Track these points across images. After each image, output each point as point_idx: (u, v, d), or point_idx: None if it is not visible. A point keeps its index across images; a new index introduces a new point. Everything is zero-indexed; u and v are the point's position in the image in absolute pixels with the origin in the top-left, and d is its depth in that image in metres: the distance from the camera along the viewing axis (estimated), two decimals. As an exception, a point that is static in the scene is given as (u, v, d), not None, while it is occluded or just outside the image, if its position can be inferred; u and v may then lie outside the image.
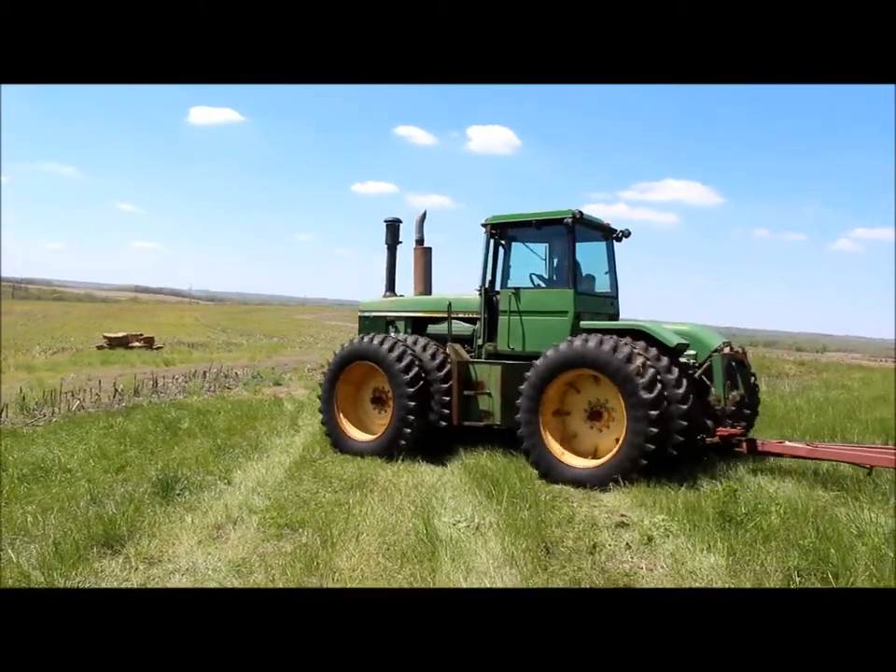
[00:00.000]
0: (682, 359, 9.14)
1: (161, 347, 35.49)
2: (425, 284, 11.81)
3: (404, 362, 9.73)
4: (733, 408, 8.95)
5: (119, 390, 16.12)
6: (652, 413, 8.05)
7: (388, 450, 9.75)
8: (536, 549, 5.98)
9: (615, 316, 10.38)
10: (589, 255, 10.09)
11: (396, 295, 12.04)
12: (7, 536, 6.11)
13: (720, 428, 8.84)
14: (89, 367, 24.75)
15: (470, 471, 8.72)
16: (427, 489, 8.10)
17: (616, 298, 10.56)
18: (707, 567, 5.63)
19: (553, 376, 8.73)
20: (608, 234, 10.43)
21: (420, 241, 11.83)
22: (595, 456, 8.71)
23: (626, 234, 10.49)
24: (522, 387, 8.97)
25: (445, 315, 10.48)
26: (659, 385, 8.15)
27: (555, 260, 10.08)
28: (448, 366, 9.96)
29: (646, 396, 8.08)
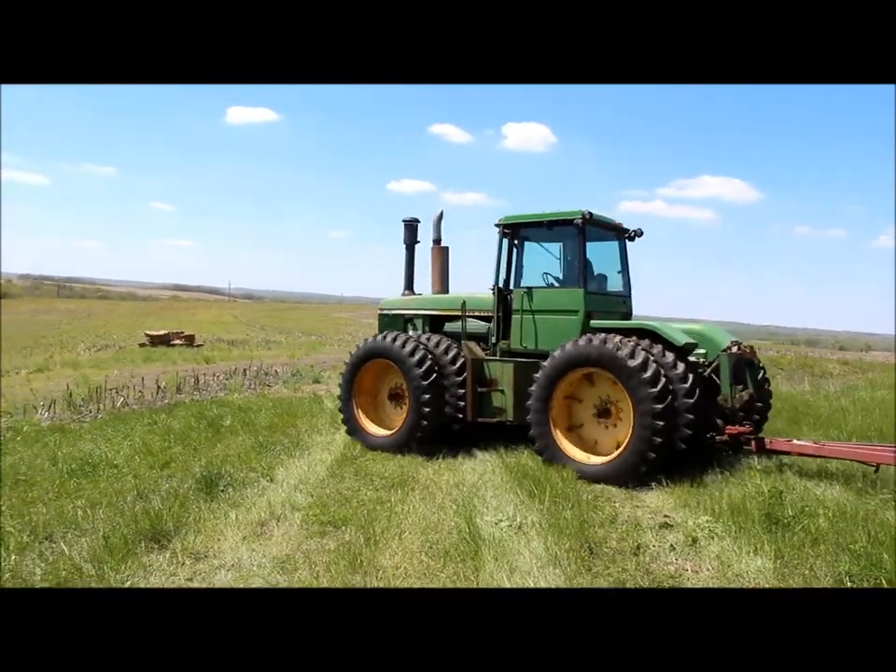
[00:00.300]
0: (692, 358, 9.23)
1: (201, 345, 35.98)
2: (442, 282, 12.04)
3: (417, 358, 9.94)
4: (742, 406, 9.03)
5: (162, 387, 16.37)
6: (658, 406, 8.20)
7: (404, 444, 9.96)
8: (579, 549, 5.95)
9: (628, 315, 10.48)
10: (602, 254, 10.25)
11: (414, 293, 12.25)
12: (59, 529, 6.23)
13: (729, 427, 8.96)
14: (131, 364, 25.17)
15: (511, 470, 8.70)
16: (468, 488, 8.10)
17: (629, 297, 10.63)
18: (754, 570, 5.56)
19: (560, 375, 8.93)
20: (620, 234, 10.52)
21: (437, 240, 12.02)
22: (594, 451, 8.94)
23: (639, 234, 10.58)
24: (531, 386, 9.15)
25: (461, 314, 10.73)
26: (664, 380, 8.29)
27: (566, 260, 10.19)
28: (462, 362, 10.12)
29: (651, 390, 8.23)
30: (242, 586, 5.27)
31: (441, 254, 12.05)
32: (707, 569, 5.72)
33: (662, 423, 8.21)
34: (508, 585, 5.28)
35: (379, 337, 10.53)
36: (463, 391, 10.05)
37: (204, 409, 13.19)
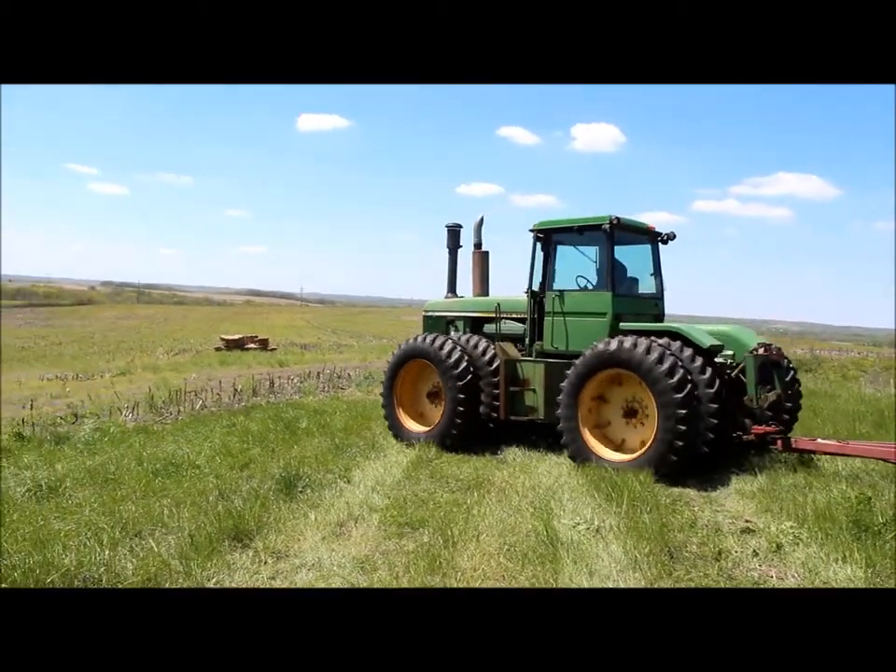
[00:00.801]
0: (720, 359, 9.36)
1: (275, 349, 36.66)
2: (482, 285, 12.42)
3: (454, 359, 10.39)
4: (770, 407, 9.11)
5: (239, 390, 16.74)
6: (681, 412, 8.39)
7: (441, 440, 10.40)
8: (659, 553, 5.87)
9: (660, 317, 10.66)
10: (634, 257, 10.52)
11: (457, 296, 12.65)
12: (147, 526, 6.42)
13: (755, 427, 9.06)
14: (208, 367, 25.79)
15: (587, 473, 8.63)
16: (544, 490, 8.06)
17: (661, 299, 10.78)
18: (843, 579, 5.39)
19: (590, 375, 9.23)
20: (652, 237, 10.66)
21: (478, 245, 12.41)
22: (619, 449, 9.20)
23: (672, 237, 10.66)
24: (562, 385, 9.43)
25: (503, 316, 11.21)
26: (689, 386, 8.48)
27: (596, 264, 10.37)
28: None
29: (676, 396, 8.43)
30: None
31: (482, 258, 12.46)
32: (794, 576, 5.58)
33: (684, 427, 8.39)
34: (587, 588, 5.24)
35: (419, 338, 11.00)
36: (498, 391, 10.38)
37: (281, 411, 13.42)
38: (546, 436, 10.38)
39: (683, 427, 8.39)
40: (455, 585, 5.26)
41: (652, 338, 8.93)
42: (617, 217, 9.71)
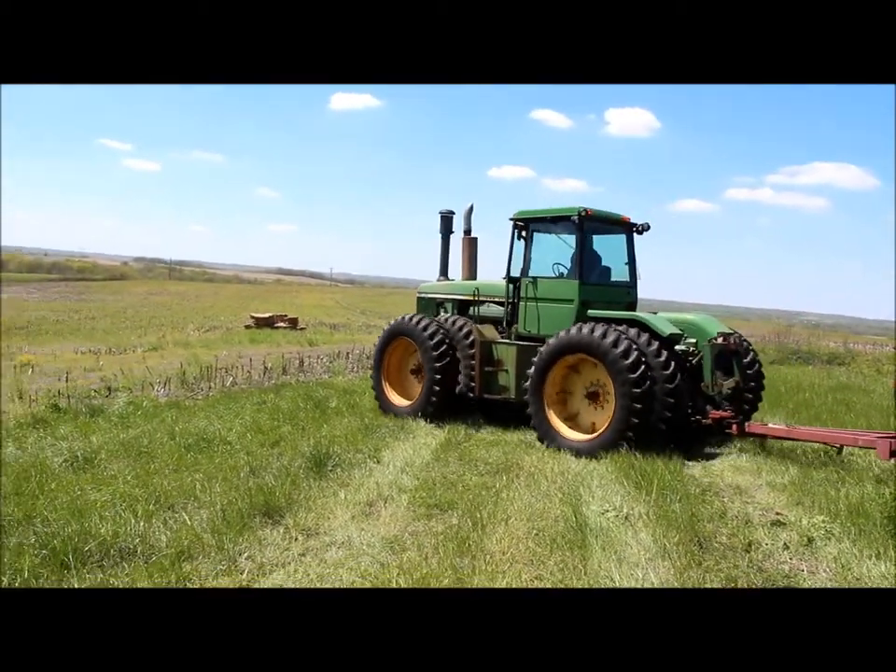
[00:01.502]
0: (682, 347, 9.82)
1: (304, 328, 36.82)
2: (470, 270, 13.01)
3: (435, 340, 11.07)
4: (728, 393, 9.65)
5: (269, 368, 16.83)
6: (636, 390, 8.91)
7: (419, 413, 11.14)
8: (689, 543, 5.84)
9: (633, 305, 11.05)
10: (609, 247, 11.05)
11: (448, 279, 13.27)
12: (180, 500, 6.51)
13: (713, 412, 9.71)
14: (238, 345, 25.99)
15: (617, 461, 8.60)
16: (573, 476, 8.06)
17: (634, 287, 11.13)
18: (876, 576, 5.32)
19: (554, 360, 9.74)
20: (628, 228, 10.99)
21: (467, 231, 12.96)
22: (593, 431, 9.60)
23: (646, 228, 10.98)
24: (528, 372, 9.96)
25: (482, 298, 11.89)
26: (643, 367, 8.97)
27: (568, 253, 10.69)
28: None
29: (630, 375, 8.94)
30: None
31: (471, 244, 13.06)
32: (825, 571, 5.53)
33: (639, 405, 8.90)
34: (616, 576, 5.23)
35: (405, 318, 11.77)
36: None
37: (310, 390, 13.50)
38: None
39: (639, 406, 8.89)
40: (483, 568, 5.27)
41: (613, 325, 9.39)
42: (586, 209, 10.14)
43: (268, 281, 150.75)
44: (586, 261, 10.39)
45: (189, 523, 5.87)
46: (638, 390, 8.90)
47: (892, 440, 8.25)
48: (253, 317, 37.20)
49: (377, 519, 6.41)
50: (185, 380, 14.50)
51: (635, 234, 11.01)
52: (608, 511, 6.71)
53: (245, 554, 5.43)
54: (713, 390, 9.66)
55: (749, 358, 10.57)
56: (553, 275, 10.79)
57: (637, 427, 8.93)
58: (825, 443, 9.18)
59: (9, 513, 5.84)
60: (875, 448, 8.34)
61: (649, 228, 10.95)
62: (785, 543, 6.07)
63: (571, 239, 10.50)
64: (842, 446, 8.88)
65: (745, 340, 10.80)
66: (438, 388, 11.00)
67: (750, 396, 10.45)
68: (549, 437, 9.67)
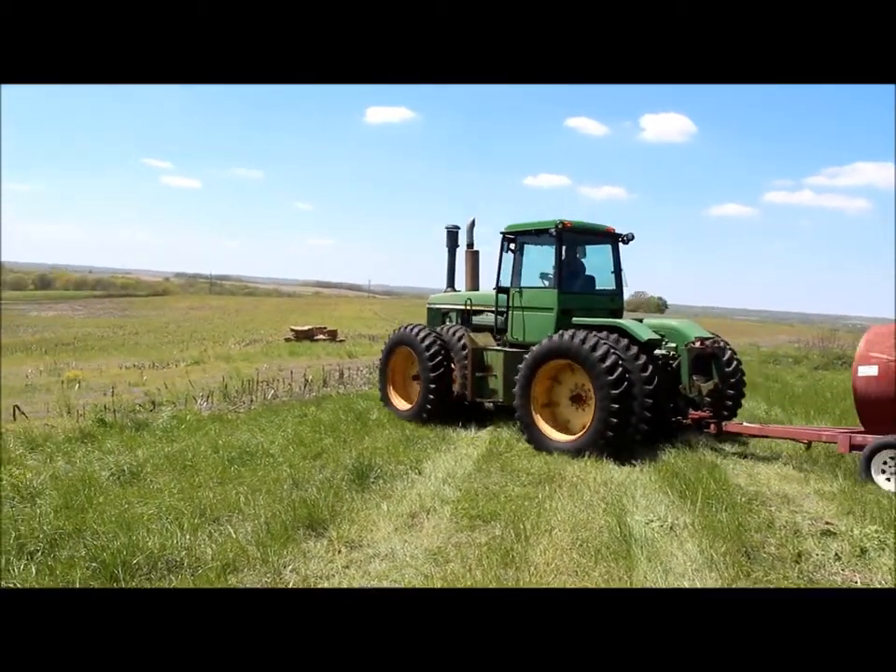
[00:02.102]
0: (662, 351, 10.23)
1: (343, 340, 36.98)
2: (473, 281, 13.79)
3: (431, 350, 11.75)
4: (707, 394, 10.08)
5: (309, 380, 16.93)
6: (614, 391, 9.30)
7: (417, 417, 11.83)
8: (736, 553, 5.75)
9: (618, 311, 11.58)
10: (595, 257, 11.61)
11: (455, 290, 14.01)
12: (224, 513, 6.57)
13: (693, 412, 10.29)
14: (279, 358, 26.18)
15: (660, 470, 8.51)
16: (616, 486, 7.98)
17: (619, 294, 11.60)
18: (933, 586, 5.20)
19: (539, 365, 10.21)
20: (613, 238, 11.46)
21: (470, 245, 13.69)
22: (567, 431, 10.15)
23: (630, 238, 11.42)
24: (515, 378, 10.43)
25: (480, 308, 12.67)
26: (620, 370, 9.35)
27: (551, 264, 11.12)
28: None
29: (609, 378, 9.33)
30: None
31: (473, 257, 13.79)
32: (880, 583, 5.40)
33: (618, 406, 9.28)
34: (663, 586, 5.17)
35: (406, 328, 12.48)
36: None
37: (351, 402, 13.57)
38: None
39: (617, 406, 9.28)
40: (528, 579, 5.24)
41: (594, 331, 9.84)
42: (562, 222, 10.65)
43: (306, 294, 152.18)
44: (565, 271, 10.92)
45: (234, 535, 5.92)
46: (616, 391, 9.28)
47: (852, 434, 8.71)
48: (293, 330, 37.47)
49: (420, 531, 6.40)
50: (227, 393, 14.64)
51: (620, 244, 11.45)
52: (652, 520, 6.64)
53: (290, 567, 5.46)
54: (691, 392, 10.13)
55: (728, 360, 11.11)
56: (538, 285, 11.34)
57: (616, 427, 9.31)
58: (794, 440, 9.73)
59: (60, 526, 5.94)
60: (836, 443, 8.85)
61: (633, 238, 11.42)
62: (836, 554, 5.94)
63: (550, 251, 11.02)
64: (809, 442, 9.40)
65: (725, 343, 11.18)
66: (432, 394, 11.69)
67: (731, 395, 10.92)
68: (535, 438, 10.11)
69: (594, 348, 9.50)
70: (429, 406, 11.72)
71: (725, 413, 10.52)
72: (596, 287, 11.57)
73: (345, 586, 5.18)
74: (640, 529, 6.39)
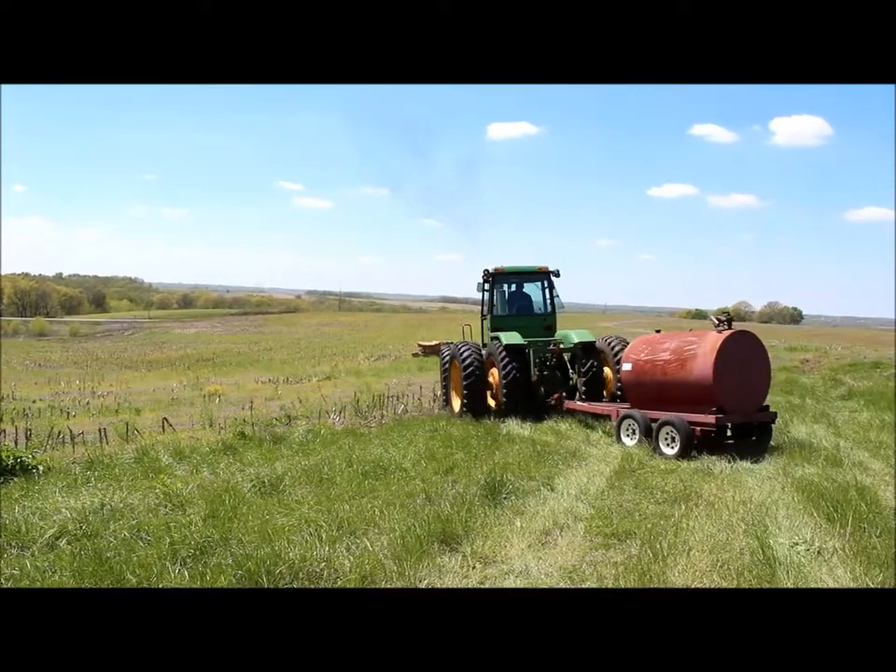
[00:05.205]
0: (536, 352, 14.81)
1: (469, 355, 37.16)
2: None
3: (466, 362, 14.64)
4: (572, 383, 14.76)
5: (438, 396, 17.14)
6: (465, 381, 14.47)
7: (460, 416, 14.52)
8: (894, 583, 5.37)
9: (550, 328, 15.83)
10: (533, 288, 16.35)
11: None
12: (361, 526, 6.71)
13: (555, 395, 14.36)
14: (407, 373, 26.66)
15: (803, 489, 8.08)
16: (756, 506, 7.64)
17: (550, 315, 16.12)
18: None
19: (450, 363, 15.72)
20: (545, 274, 16.01)
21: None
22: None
23: (556, 275, 15.88)
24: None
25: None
26: (473, 367, 14.48)
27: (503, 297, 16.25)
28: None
29: (465, 371, 14.45)
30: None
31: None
32: None
33: (467, 391, 14.42)
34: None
35: (457, 344, 15.54)
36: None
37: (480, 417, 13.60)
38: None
39: (467, 391, 14.44)
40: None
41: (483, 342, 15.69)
42: (495, 268, 15.67)
43: (433, 309, 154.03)
44: (498, 302, 15.94)
45: (370, 548, 6.02)
46: (468, 381, 14.39)
47: (619, 409, 12.16)
48: (420, 345, 38.07)
49: (554, 548, 6.33)
50: (358, 408, 15.03)
51: (553, 278, 15.87)
52: (797, 543, 6.29)
53: (426, 581, 5.49)
54: (550, 382, 14.56)
55: (585, 362, 14.37)
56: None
57: (469, 405, 14.41)
58: (595, 415, 13.24)
59: (209, 535, 6.23)
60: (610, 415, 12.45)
61: (559, 275, 15.82)
62: None
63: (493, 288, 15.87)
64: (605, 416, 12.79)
65: (584, 348, 14.49)
66: (467, 399, 14.64)
67: (585, 384, 14.22)
68: (449, 407, 15.56)
69: (462, 352, 14.69)
70: (465, 408, 14.65)
71: (582, 396, 14.14)
72: (534, 311, 16.14)
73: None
74: (784, 552, 6.06)
